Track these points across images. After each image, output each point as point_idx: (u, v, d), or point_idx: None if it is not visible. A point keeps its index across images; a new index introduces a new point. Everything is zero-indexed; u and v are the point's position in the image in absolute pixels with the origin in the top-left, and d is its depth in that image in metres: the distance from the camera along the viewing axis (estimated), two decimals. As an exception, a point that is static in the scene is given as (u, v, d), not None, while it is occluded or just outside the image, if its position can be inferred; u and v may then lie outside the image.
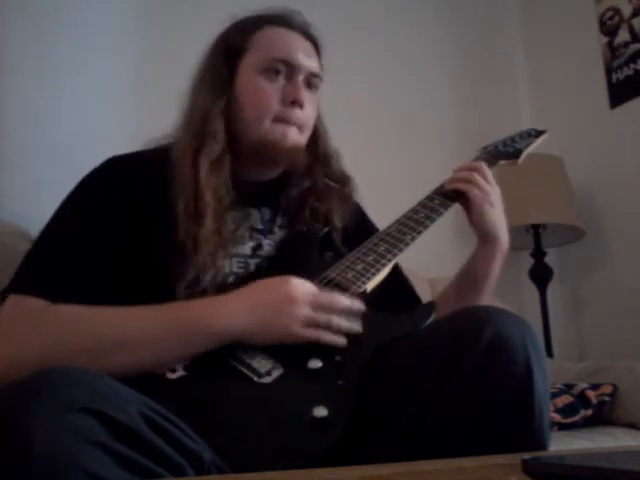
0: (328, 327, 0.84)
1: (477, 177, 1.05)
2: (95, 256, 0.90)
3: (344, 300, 0.87)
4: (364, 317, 0.88)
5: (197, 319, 0.83)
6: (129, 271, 0.91)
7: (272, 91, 1.01)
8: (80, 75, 1.78)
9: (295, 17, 1.07)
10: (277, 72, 1.02)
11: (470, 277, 1.10)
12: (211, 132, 0.99)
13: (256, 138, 1.01)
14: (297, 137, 1.03)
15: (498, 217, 1.06)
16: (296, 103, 1.01)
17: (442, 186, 1.10)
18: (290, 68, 1.02)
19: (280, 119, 1.01)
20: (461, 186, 1.06)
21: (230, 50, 1.04)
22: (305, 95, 1.03)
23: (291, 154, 1.03)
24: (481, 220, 1.05)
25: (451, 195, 1.07)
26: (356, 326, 0.86)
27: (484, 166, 1.08)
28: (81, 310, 0.84)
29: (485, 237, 1.06)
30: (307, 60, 1.03)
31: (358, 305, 0.88)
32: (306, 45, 1.05)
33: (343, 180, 1.12)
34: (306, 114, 1.04)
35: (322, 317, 0.84)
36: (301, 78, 1.03)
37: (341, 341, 0.85)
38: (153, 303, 0.85)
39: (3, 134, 1.67)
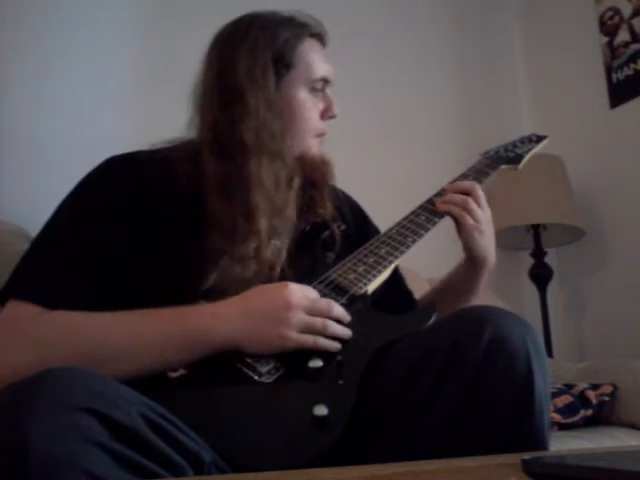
0: (324, 332, 0.84)
1: (471, 204, 1.04)
2: (94, 260, 0.90)
3: (338, 308, 0.88)
4: (365, 318, 0.88)
5: (195, 328, 0.83)
6: (130, 275, 0.90)
7: (315, 108, 1.05)
8: (80, 75, 1.78)
9: (320, 26, 1.08)
10: (318, 88, 1.05)
11: (452, 290, 1.11)
12: (289, 164, 0.99)
13: (297, 152, 1.02)
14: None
15: (487, 241, 1.06)
16: (333, 117, 1.07)
17: (443, 190, 1.10)
18: (327, 83, 1.06)
19: (319, 134, 1.06)
20: (455, 212, 1.04)
21: (278, 61, 1.02)
22: None
23: (324, 164, 1.06)
24: (471, 244, 1.05)
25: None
26: (348, 332, 0.86)
27: (478, 189, 1.07)
28: (77, 317, 0.84)
29: (473, 259, 1.07)
30: (333, 73, 1.07)
31: (346, 315, 0.88)
32: (327, 56, 1.08)
33: (323, 165, 1.09)
34: None
35: (318, 322, 0.84)
36: (329, 91, 1.07)
37: (335, 345, 0.84)
38: (152, 306, 0.84)
39: (3, 134, 1.67)
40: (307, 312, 0.84)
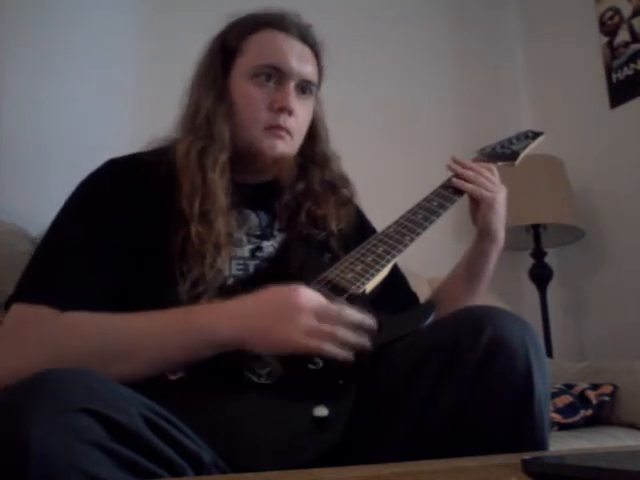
0: (332, 339, 0.80)
1: (486, 180, 1.08)
2: (98, 261, 0.90)
3: (355, 314, 0.83)
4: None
5: (202, 329, 0.82)
6: (132, 273, 0.90)
7: (261, 98, 1.00)
8: (80, 75, 1.78)
9: (293, 20, 1.05)
10: (268, 78, 1.01)
11: (467, 274, 1.11)
12: (217, 136, 0.99)
13: (246, 143, 1.01)
14: (286, 147, 1.02)
15: (502, 214, 1.09)
16: (284, 110, 1.00)
17: (443, 186, 1.10)
18: (281, 74, 1.01)
19: (271, 126, 1.00)
20: (469, 188, 1.07)
21: (225, 51, 1.04)
22: (296, 101, 1.02)
23: (277, 163, 1.03)
24: (488, 219, 1.07)
25: (457, 190, 1.09)
26: (365, 341, 0.82)
27: (494, 168, 1.11)
28: (87, 317, 0.84)
29: (486, 235, 1.08)
30: (300, 66, 1.02)
31: (370, 322, 0.83)
32: (301, 50, 1.04)
33: (342, 183, 1.12)
34: (297, 121, 1.03)
35: (326, 328, 0.80)
36: (292, 85, 1.01)
37: (344, 354, 0.80)
38: (156, 305, 0.84)
39: (3, 134, 1.67)
40: (316, 316, 0.81)
